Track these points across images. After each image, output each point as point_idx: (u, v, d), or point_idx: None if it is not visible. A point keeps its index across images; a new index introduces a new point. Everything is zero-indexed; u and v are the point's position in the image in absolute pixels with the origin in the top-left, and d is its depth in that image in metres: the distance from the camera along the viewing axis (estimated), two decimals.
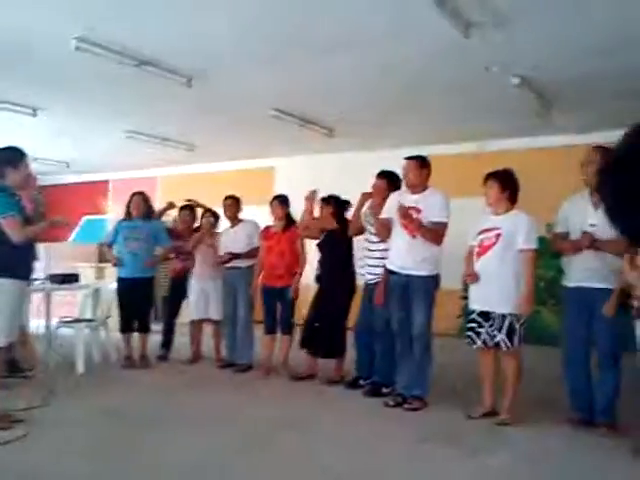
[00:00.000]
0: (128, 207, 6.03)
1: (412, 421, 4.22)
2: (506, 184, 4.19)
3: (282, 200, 5.76)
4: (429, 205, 4.48)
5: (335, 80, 5.93)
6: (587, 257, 3.89)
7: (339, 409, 4.56)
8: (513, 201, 4.22)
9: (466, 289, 8.07)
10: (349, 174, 8.25)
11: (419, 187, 4.59)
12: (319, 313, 5.29)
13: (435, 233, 4.44)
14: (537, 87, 5.93)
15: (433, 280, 4.52)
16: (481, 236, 4.23)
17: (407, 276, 4.47)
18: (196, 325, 6.25)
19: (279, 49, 5.13)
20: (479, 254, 4.22)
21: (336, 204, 5.39)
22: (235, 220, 6.07)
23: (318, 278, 5.39)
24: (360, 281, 5.29)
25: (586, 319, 3.94)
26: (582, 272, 3.93)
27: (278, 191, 8.85)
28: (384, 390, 4.80)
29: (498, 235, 4.13)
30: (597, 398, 3.93)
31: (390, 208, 4.63)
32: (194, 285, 6.17)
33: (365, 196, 5.02)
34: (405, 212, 4.38)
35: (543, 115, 6.74)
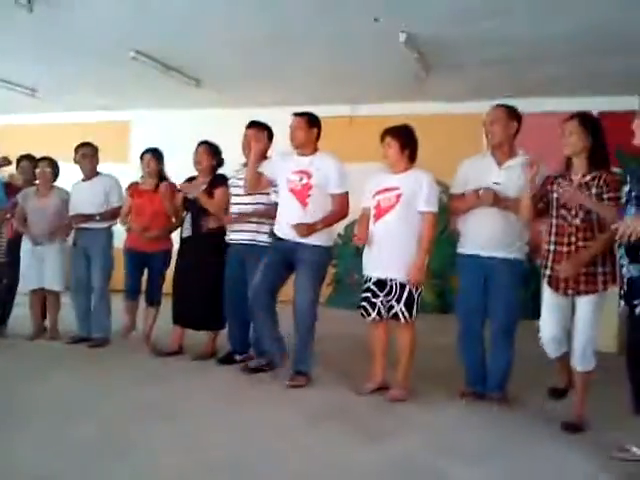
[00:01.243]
0: None
1: (298, 400, 3.81)
2: (407, 142, 3.86)
3: (155, 154, 5.05)
4: (322, 172, 4.04)
5: (203, 19, 5.23)
6: (485, 222, 3.67)
7: (213, 389, 4.03)
8: (413, 159, 3.91)
9: (337, 257, 8.06)
10: (215, 132, 7.58)
11: (309, 149, 4.13)
12: (191, 280, 4.69)
13: (343, 209, 4.11)
14: (420, 47, 5.69)
15: (326, 252, 4.13)
16: (378, 197, 3.87)
17: (297, 244, 4.02)
18: (37, 295, 5.38)
19: None
20: (376, 216, 3.86)
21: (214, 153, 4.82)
22: (91, 172, 5.24)
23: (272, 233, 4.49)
24: None
25: (482, 290, 3.74)
26: (480, 238, 3.70)
27: (134, 149, 8.15)
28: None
29: (398, 196, 3.79)
30: (492, 372, 3.78)
31: (274, 170, 4.19)
32: (26, 251, 5.28)
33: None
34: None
35: (422, 79, 6.57)
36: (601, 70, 6.21)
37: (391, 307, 3.82)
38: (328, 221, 4.07)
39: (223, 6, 4.93)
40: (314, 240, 4.02)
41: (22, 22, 5.21)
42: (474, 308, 3.77)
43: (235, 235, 4.47)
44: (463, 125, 7.44)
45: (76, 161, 5.24)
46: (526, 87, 6.83)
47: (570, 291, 3.27)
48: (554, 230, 3.33)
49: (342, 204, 4.10)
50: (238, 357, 4.56)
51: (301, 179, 4.04)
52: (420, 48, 5.71)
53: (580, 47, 5.55)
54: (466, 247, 3.82)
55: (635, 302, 2.82)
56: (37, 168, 5.38)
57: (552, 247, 3.33)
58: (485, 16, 4.91)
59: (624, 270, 2.89)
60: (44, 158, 5.42)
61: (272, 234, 4.23)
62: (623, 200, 2.93)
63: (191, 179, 4.83)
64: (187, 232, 4.75)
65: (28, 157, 5.70)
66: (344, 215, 4.17)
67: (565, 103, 6.92)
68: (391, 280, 3.80)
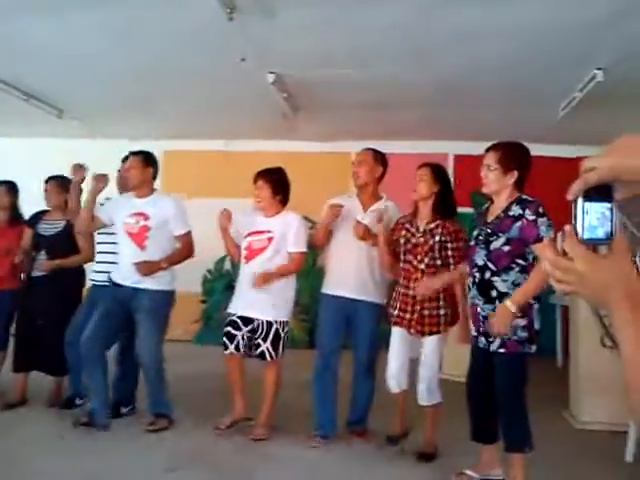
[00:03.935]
0: None
1: (156, 446, 3.66)
2: (279, 187, 3.91)
3: (10, 187, 4.69)
4: (161, 211, 3.95)
5: (68, 50, 5.05)
6: (350, 263, 3.78)
7: (63, 438, 3.74)
8: (284, 203, 3.97)
9: (206, 293, 7.93)
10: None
11: (145, 190, 4.01)
12: (40, 322, 4.38)
13: (188, 248, 4.03)
14: (289, 87, 5.85)
15: (167, 296, 4.01)
16: (250, 238, 3.90)
17: (135, 290, 3.89)
18: None
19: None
20: (247, 257, 3.89)
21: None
22: None
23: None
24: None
25: (342, 329, 3.84)
26: (344, 280, 3.79)
27: None
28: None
29: (270, 239, 3.84)
30: (354, 405, 3.88)
31: (110, 214, 4.05)
32: None
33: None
34: None
35: (290, 118, 6.73)
36: (459, 116, 6.67)
37: (258, 345, 3.81)
38: (173, 260, 3.97)
39: (88, 38, 4.79)
40: (153, 285, 3.89)
41: None
42: (333, 347, 3.84)
43: (94, 275, 4.30)
44: (332, 163, 7.69)
45: None
46: (393, 129, 7.18)
47: (414, 331, 3.47)
48: (403, 274, 3.52)
49: (187, 244, 4.04)
50: (79, 401, 4.27)
51: (138, 221, 3.93)
52: (288, 89, 5.86)
53: (442, 94, 5.88)
54: (330, 287, 3.90)
55: (490, 339, 2.96)
56: None
57: (401, 290, 3.52)
58: (351, 63, 5.14)
59: (478, 309, 3.01)
60: None
61: (109, 280, 4.04)
62: (472, 242, 3.11)
63: (41, 213, 4.61)
64: (38, 271, 4.45)
65: None
66: (190, 254, 4.08)
67: (427, 146, 7.41)
68: (257, 319, 3.81)
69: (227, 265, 7.66)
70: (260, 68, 5.26)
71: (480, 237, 3.03)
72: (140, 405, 4.29)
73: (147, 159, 4.01)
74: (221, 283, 7.86)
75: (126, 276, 3.88)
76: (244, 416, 3.91)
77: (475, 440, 3.13)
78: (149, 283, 3.87)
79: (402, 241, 3.51)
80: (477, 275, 2.98)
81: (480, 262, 2.98)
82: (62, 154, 7.59)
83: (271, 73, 5.39)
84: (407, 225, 3.54)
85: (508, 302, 2.78)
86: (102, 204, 4.19)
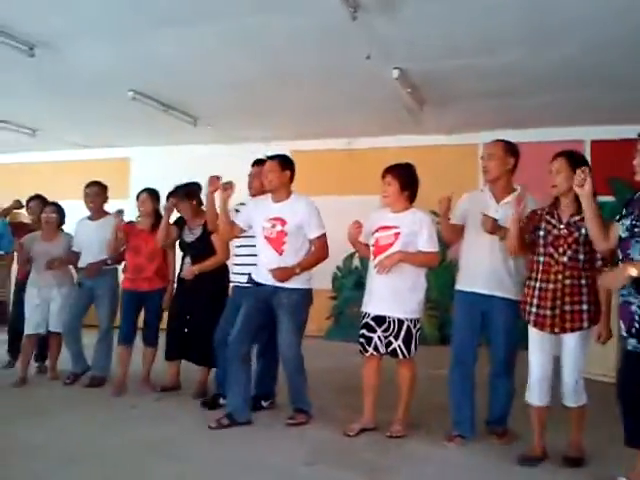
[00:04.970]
0: None
1: (288, 441, 3.77)
2: (407, 183, 3.86)
3: (152, 193, 5.06)
4: (296, 216, 4.02)
5: (199, 60, 5.35)
6: (484, 259, 3.67)
7: (210, 429, 3.95)
8: (412, 200, 3.92)
9: (336, 289, 8.06)
10: (213, 168, 7.67)
11: (282, 193, 4.10)
12: (188, 318, 4.74)
13: (322, 252, 4.08)
14: (414, 81, 5.78)
15: (305, 294, 4.09)
16: (377, 234, 3.88)
17: (276, 288, 4.00)
18: (31, 339, 5.29)
19: (142, 17, 4.48)
20: (375, 253, 3.87)
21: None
22: (99, 212, 5.27)
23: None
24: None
25: (477, 327, 3.74)
26: (478, 276, 3.68)
27: (134, 185, 8.23)
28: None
29: (397, 234, 3.80)
30: (493, 406, 3.77)
31: (250, 216, 4.18)
32: (30, 294, 5.25)
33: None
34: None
35: (415, 112, 6.65)
36: (595, 99, 6.27)
37: (389, 343, 3.81)
38: (307, 264, 4.04)
39: (216, 47, 5.02)
40: (292, 284, 4.00)
41: (24, 65, 5.31)
42: (468, 344, 3.75)
43: (237, 277, 4.46)
44: (459, 156, 7.51)
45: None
46: (522, 118, 6.90)
47: (556, 329, 3.26)
48: (540, 268, 3.33)
49: (321, 247, 4.08)
50: (222, 401, 4.39)
51: (274, 226, 4.02)
52: (413, 83, 5.79)
53: (574, 76, 5.58)
54: (463, 284, 3.81)
55: None
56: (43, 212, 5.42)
57: (537, 285, 3.33)
58: (477, 51, 5.00)
59: (633, 307, 2.82)
60: (50, 203, 5.47)
61: (250, 280, 4.20)
62: (624, 235, 2.89)
63: (181, 221, 4.90)
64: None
65: (37, 197, 5.76)
66: (324, 257, 4.13)
67: (560, 133, 7.02)
68: (389, 317, 3.81)
69: (356, 262, 7.74)
70: (385, 64, 5.25)
71: (637, 229, 2.81)
72: (279, 399, 4.45)
73: (284, 162, 4.09)
74: (350, 280, 7.95)
75: (266, 277, 4.02)
76: (372, 426, 3.90)
77: (630, 446, 2.93)
78: (288, 282, 3.98)
79: (541, 233, 3.33)
80: None
81: (638, 256, 2.77)
82: (197, 160, 8.14)
83: (395, 68, 5.37)
84: (547, 217, 3.35)
85: None
86: (237, 210, 4.37)
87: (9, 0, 4.21)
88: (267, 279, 4.02)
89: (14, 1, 4.24)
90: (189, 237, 4.81)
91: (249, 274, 4.23)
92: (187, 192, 4.77)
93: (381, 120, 7.22)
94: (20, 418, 4.16)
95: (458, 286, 3.85)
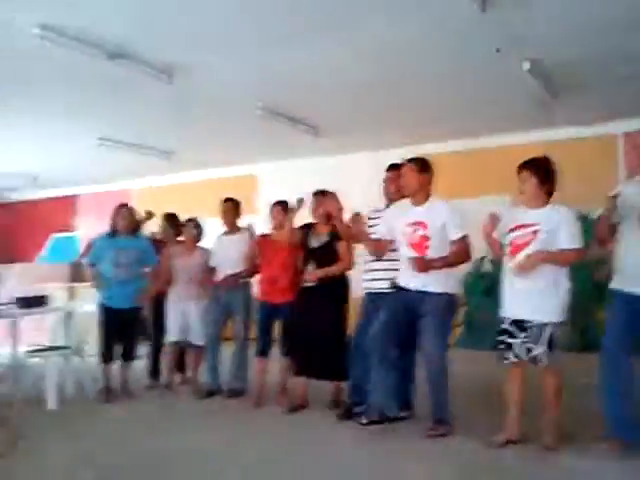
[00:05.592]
0: (113, 222, 5.36)
1: (431, 454, 3.60)
2: (546, 177, 3.63)
3: (284, 206, 5.11)
4: (437, 219, 3.89)
5: (320, 70, 5.40)
6: None
7: (352, 441, 3.90)
8: (551, 194, 3.66)
9: (467, 295, 7.77)
10: (337, 178, 7.70)
11: (421, 197, 3.98)
12: (311, 330, 4.59)
13: (463, 253, 3.94)
14: (546, 72, 5.47)
15: (452, 299, 3.96)
16: (514, 234, 3.65)
17: (421, 293, 3.89)
18: (175, 347, 5.55)
19: (262, 36, 4.63)
20: (512, 254, 3.65)
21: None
22: (233, 227, 5.45)
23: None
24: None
25: (630, 329, 3.41)
26: (635, 274, 3.37)
27: (262, 200, 8.47)
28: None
29: (536, 232, 3.56)
30: None
31: (390, 225, 4.10)
32: (172, 306, 5.48)
33: None
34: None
35: (549, 105, 6.29)
36: None
37: (530, 349, 3.57)
38: (448, 261, 3.88)
39: (334, 57, 5.07)
40: (439, 287, 3.87)
41: (161, 93, 5.65)
42: (623, 348, 3.44)
43: (371, 284, 4.37)
44: (595, 149, 7.03)
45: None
46: None
47: None
48: None
49: (463, 248, 3.93)
50: (358, 409, 4.27)
51: (416, 230, 3.92)
52: (546, 73, 5.48)
53: None
54: (620, 282, 3.50)
55: None
56: (180, 227, 5.68)
57: None
58: (611, 32, 4.64)
59: None
60: (190, 219, 5.70)
61: (393, 285, 4.09)
62: None
63: (307, 226, 4.85)
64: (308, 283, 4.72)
65: (171, 216, 6.00)
66: (466, 258, 3.98)
67: None
68: (530, 321, 3.57)
69: (487, 266, 7.42)
70: (516, 56, 5.02)
71: None
72: (418, 411, 4.30)
73: (423, 165, 4.01)
74: (481, 285, 7.64)
75: (410, 280, 3.93)
76: (518, 437, 3.65)
77: None
78: (434, 286, 3.86)
79: None
80: None
81: None
82: (319, 171, 8.24)
83: (526, 60, 5.11)
84: None
85: None
86: (370, 218, 4.37)
87: (145, 29, 4.47)
88: (412, 284, 3.92)
89: (151, 29, 4.49)
90: (315, 243, 4.79)
91: (390, 279, 4.13)
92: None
93: (511, 116, 6.91)
94: (163, 428, 4.34)
95: (614, 285, 3.54)
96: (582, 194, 5.76)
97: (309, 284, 4.66)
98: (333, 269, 4.61)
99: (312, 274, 4.63)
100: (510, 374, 3.72)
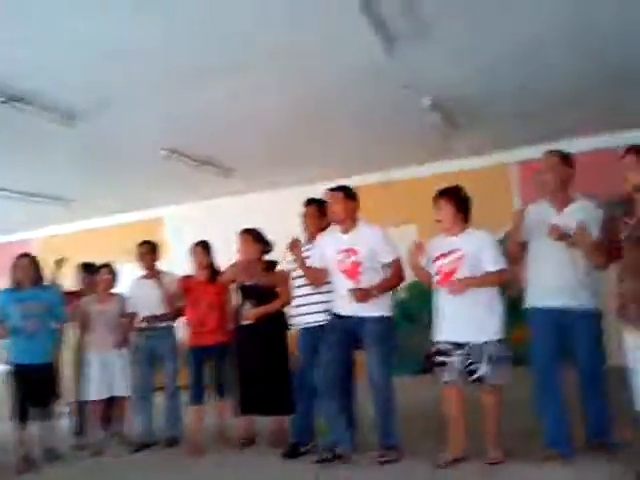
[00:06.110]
0: (14, 274, 4.94)
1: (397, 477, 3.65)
2: (461, 204, 3.84)
3: (205, 246, 5.08)
4: (367, 244, 3.99)
5: (229, 110, 5.47)
6: (554, 269, 3.58)
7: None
8: (467, 220, 3.87)
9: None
10: (251, 218, 7.71)
11: (349, 224, 4.09)
12: (255, 367, 4.59)
13: (397, 275, 4.05)
14: (446, 107, 5.84)
15: (390, 322, 4.04)
16: (439, 262, 3.80)
17: (360, 319, 3.94)
18: (98, 404, 5.20)
19: (166, 77, 4.65)
20: (441, 282, 3.78)
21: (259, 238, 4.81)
22: (152, 271, 5.31)
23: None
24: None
25: (557, 342, 3.63)
26: (550, 288, 3.59)
27: (169, 244, 8.28)
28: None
29: (460, 257, 3.74)
30: (589, 420, 3.62)
31: (322, 253, 4.14)
32: (92, 358, 5.18)
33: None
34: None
35: (449, 138, 6.68)
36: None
37: (474, 371, 3.69)
38: (385, 286, 3.99)
39: (246, 97, 5.16)
40: (377, 311, 3.95)
41: (63, 139, 5.44)
42: (549, 362, 3.64)
43: (307, 318, 4.36)
44: (490, 178, 7.48)
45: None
46: (562, 127, 6.67)
47: None
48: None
49: (396, 271, 4.04)
50: (302, 448, 4.27)
51: (347, 257, 4.00)
52: (444, 109, 5.84)
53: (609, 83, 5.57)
54: (539, 298, 3.68)
55: None
56: (95, 274, 5.43)
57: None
58: (499, 69, 5.06)
59: None
60: (105, 265, 5.46)
61: (332, 313, 4.12)
62: None
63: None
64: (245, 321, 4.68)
65: (87, 265, 5.75)
66: (400, 280, 4.09)
67: (591, 142, 6.96)
68: (469, 342, 3.69)
69: (401, 293, 7.62)
70: (417, 94, 5.34)
71: None
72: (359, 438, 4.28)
73: (347, 192, 4.11)
74: (399, 311, 7.81)
75: (348, 307, 3.96)
76: (465, 454, 3.76)
77: None
78: (371, 310, 3.91)
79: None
80: None
81: None
82: (235, 211, 8.19)
83: (426, 97, 5.45)
84: (625, 219, 3.25)
85: None
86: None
87: (47, 72, 4.35)
88: (350, 310, 3.96)
89: (53, 73, 4.37)
90: (251, 281, 4.76)
91: (326, 311, 4.17)
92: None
93: (415, 149, 7.21)
94: None
95: (530, 302, 3.74)
96: (481, 221, 6.12)
97: (245, 323, 4.62)
98: (273, 306, 4.60)
99: (251, 313, 4.59)
100: (447, 393, 3.81)
